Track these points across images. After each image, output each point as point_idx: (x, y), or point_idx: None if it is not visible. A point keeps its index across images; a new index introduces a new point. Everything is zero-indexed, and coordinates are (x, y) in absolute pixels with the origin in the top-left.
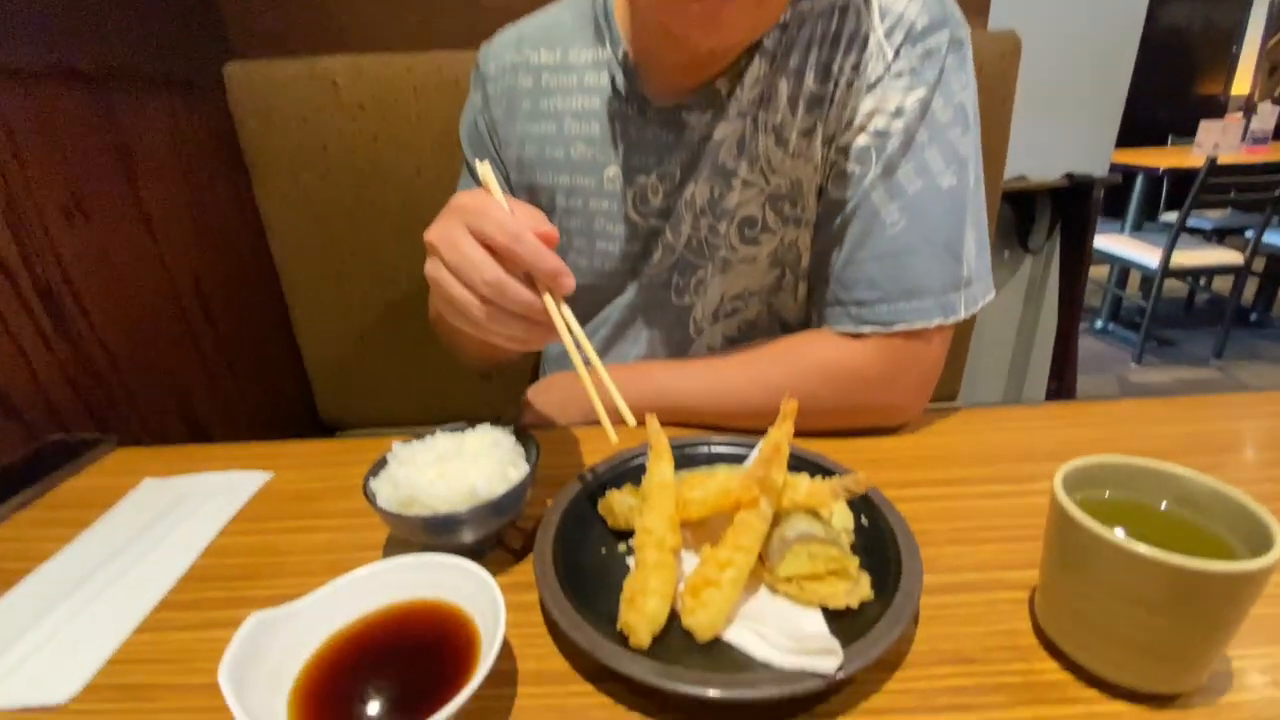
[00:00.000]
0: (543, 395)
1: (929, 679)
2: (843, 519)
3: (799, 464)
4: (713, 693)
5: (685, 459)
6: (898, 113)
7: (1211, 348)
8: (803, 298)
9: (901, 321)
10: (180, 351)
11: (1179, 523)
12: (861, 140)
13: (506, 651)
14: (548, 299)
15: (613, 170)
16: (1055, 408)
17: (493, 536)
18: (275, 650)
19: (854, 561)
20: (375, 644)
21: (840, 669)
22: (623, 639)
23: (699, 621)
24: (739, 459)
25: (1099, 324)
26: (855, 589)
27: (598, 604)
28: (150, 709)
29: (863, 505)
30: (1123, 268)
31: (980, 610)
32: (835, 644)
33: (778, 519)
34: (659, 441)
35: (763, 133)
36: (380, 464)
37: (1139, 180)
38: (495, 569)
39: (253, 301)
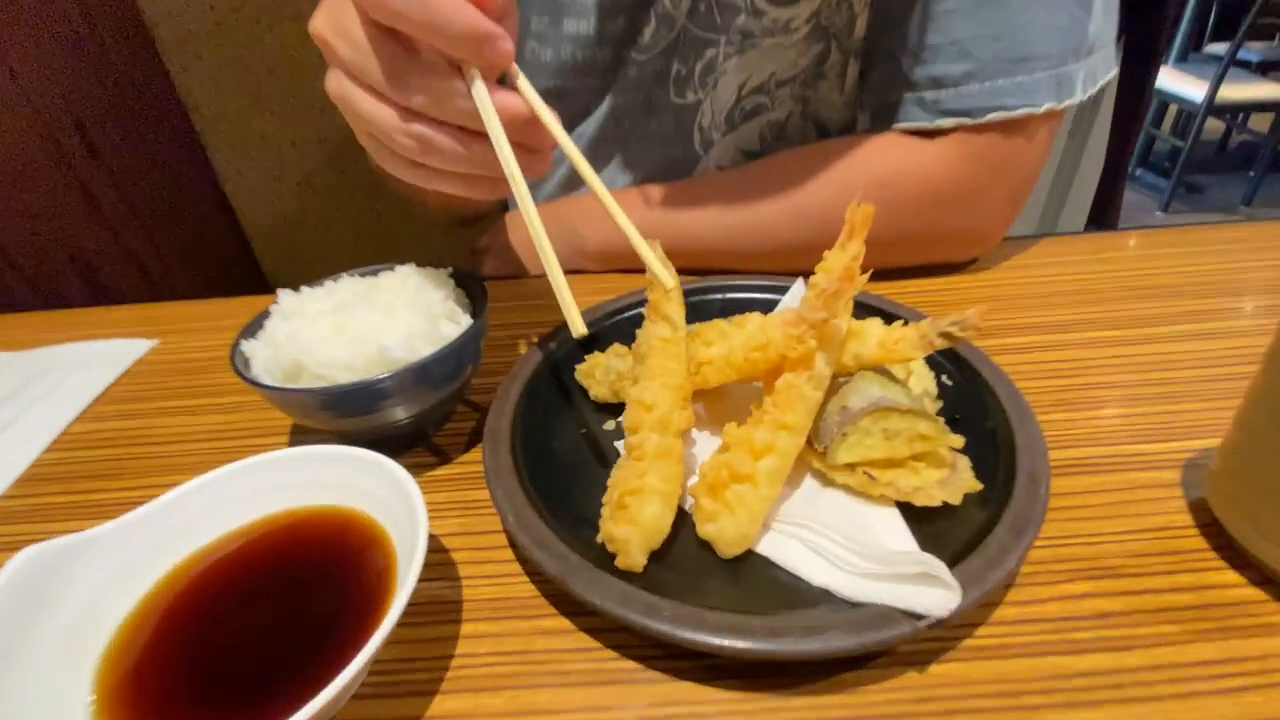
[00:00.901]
0: (505, 236)
1: (1059, 602)
2: (921, 380)
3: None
4: (747, 645)
5: (691, 311)
6: None
7: (1241, 194)
8: (851, 87)
9: (999, 107)
10: (67, 204)
11: None
12: None
13: (447, 572)
14: (478, 88)
15: None
16: (1170, 234)
17: (428, 419)
18: (78, 595)
19: (953, 439)
20: (242, 577)
21: (959, 608)
22: (609, 558)
23: (723, 531)
24: (767, 307)
25: (1130, 169)
26: (953, 479)
27: (576, 506)
28: None
29: (945, 360)
30: (1160, 104)
31: (1116, 501)
32: (938, 566)
33: (833, 385)
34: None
35: None
36: (261, 319)
37: (1191, 1)
38: (434, 462)
39: (156, 140)
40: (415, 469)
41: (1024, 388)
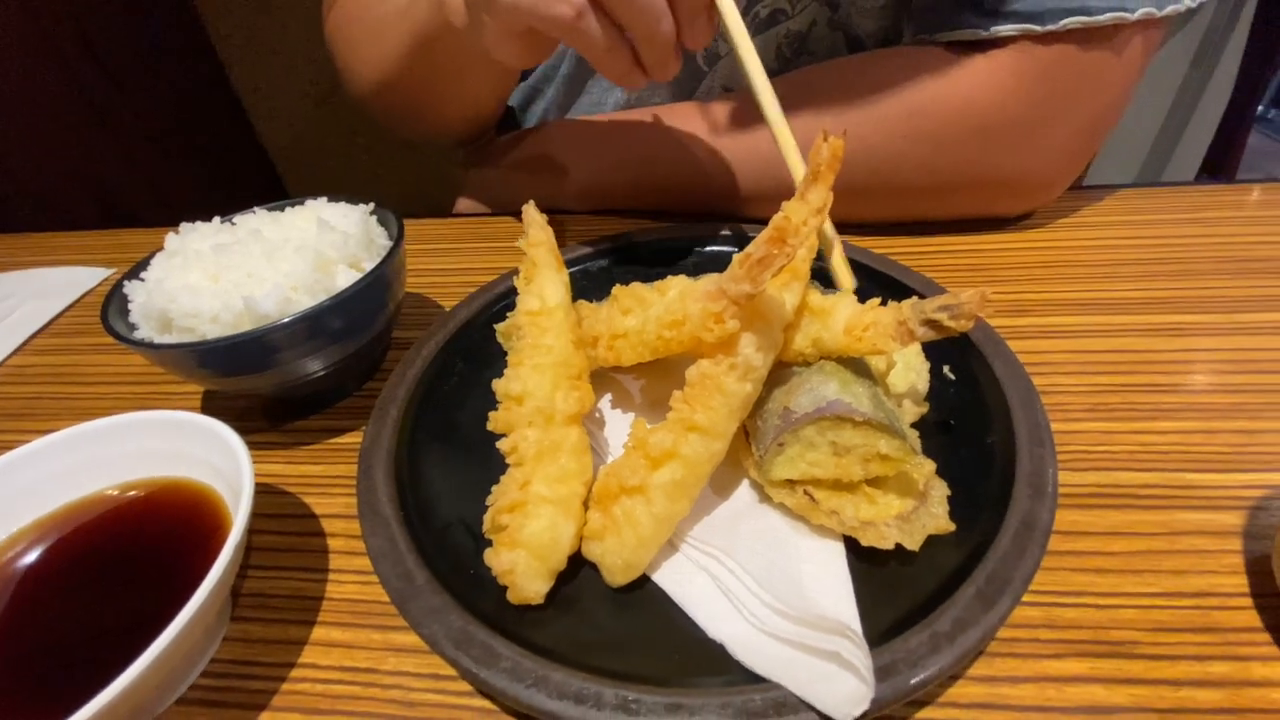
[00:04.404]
0: (485, 170)
1: (1038, 684)
2: (908, 373)
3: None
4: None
5: (661, 264)
6: None
7: None
8: None
9: (1078, 10)
10: (75, 120)
11: None
12: None
13: (316, 561)
14: None
15: None
16: (1263, 191)
17: (345, 373)
18: None
19: (922, 464)
20: (78, 557)
21: (868, 712)
22: (477, 579)
23: (606, 555)
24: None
25: (1259, 109)
26: (919, 514)
27: (466, 506)
28: None
29: (954, 344)
30: None
31: (1149, 549)
32: (854, 648)
33: (781, 375)
34: (531, 239)
35: None
36: (152, 255)
37: None
38: (344, 425)
39: (169, 54)
40: (318, 435)
41: (1063, 384)
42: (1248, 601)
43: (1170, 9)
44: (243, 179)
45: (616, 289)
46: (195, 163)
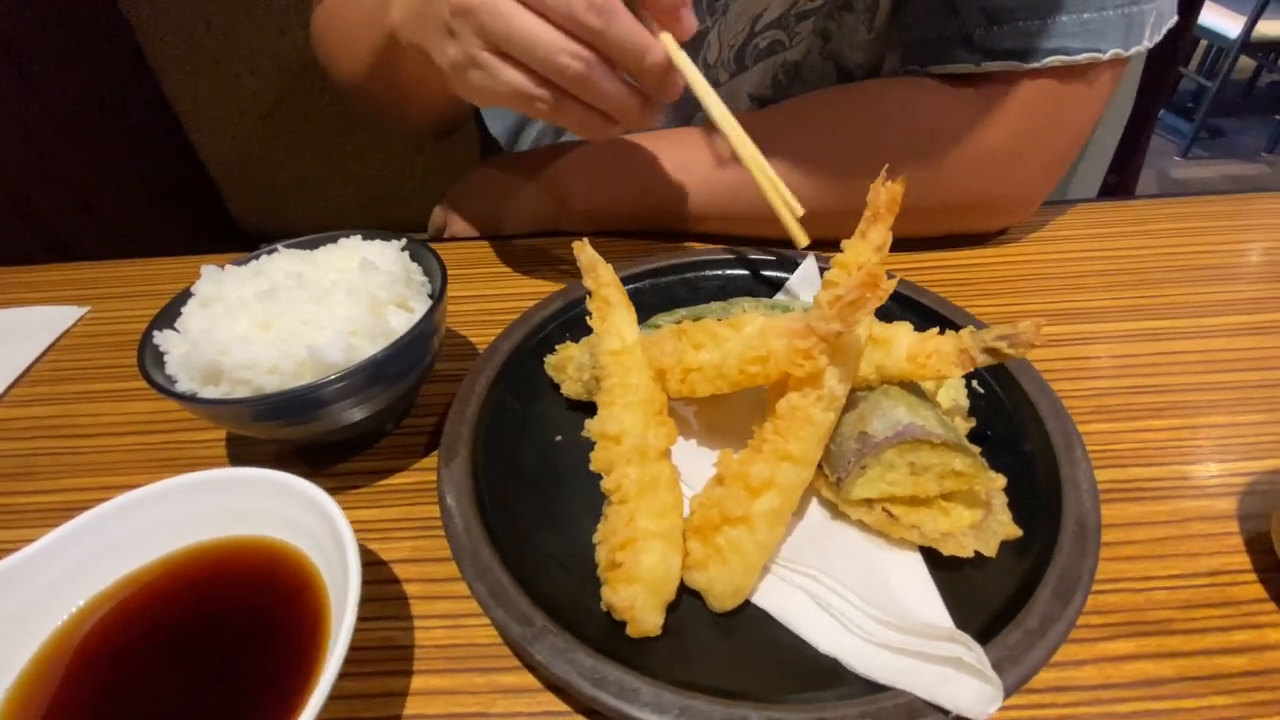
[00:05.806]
0: (478, 191)
1: (1098, 665)
2: (951, 390)
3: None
4: None
5: (685, 290)
6: None
7: (1265, 140)
8: (882, 21)
9: (1059, 50)
10: (4, 145)
11: None
12: None
13: (397, 609)
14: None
15: None
16: (1224, 202)
17: (384, 417)
18: None
19: (993, 479)
20: (152, 628)
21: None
22: (582, 608)
23: (713, 584)
24: (772, 286)
25: None
26: (989, 523)
27: (547, 539)
28: None
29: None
30: (1190, 40)
31: (1165, 536)
32: (976, 653)
33: (849, 400)
34: (600, 279)
35: None
36: (179, 301)
37: None
38: (389, 468)
39: (104, 72)
40: (366, 478)
41: (1067, 390)
42: (1253, 576)
43: (1135, 49)
44: (188, 202)
45: (687, 325)
46: (134, 182)
